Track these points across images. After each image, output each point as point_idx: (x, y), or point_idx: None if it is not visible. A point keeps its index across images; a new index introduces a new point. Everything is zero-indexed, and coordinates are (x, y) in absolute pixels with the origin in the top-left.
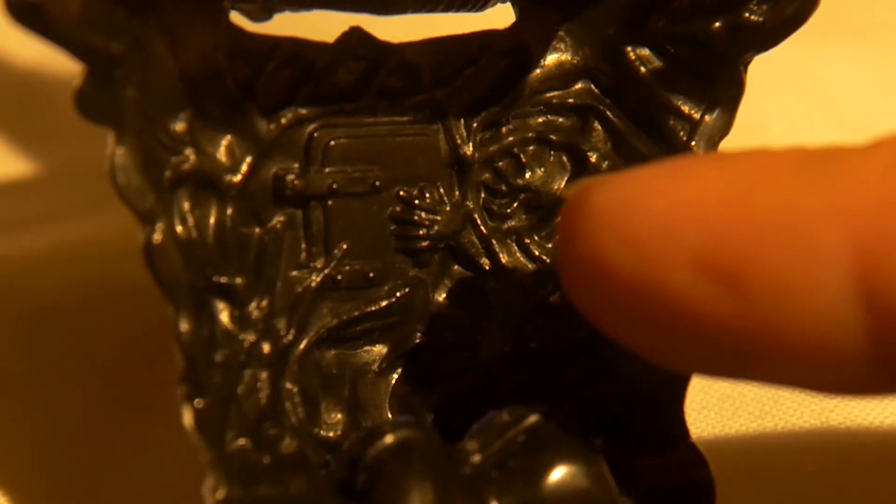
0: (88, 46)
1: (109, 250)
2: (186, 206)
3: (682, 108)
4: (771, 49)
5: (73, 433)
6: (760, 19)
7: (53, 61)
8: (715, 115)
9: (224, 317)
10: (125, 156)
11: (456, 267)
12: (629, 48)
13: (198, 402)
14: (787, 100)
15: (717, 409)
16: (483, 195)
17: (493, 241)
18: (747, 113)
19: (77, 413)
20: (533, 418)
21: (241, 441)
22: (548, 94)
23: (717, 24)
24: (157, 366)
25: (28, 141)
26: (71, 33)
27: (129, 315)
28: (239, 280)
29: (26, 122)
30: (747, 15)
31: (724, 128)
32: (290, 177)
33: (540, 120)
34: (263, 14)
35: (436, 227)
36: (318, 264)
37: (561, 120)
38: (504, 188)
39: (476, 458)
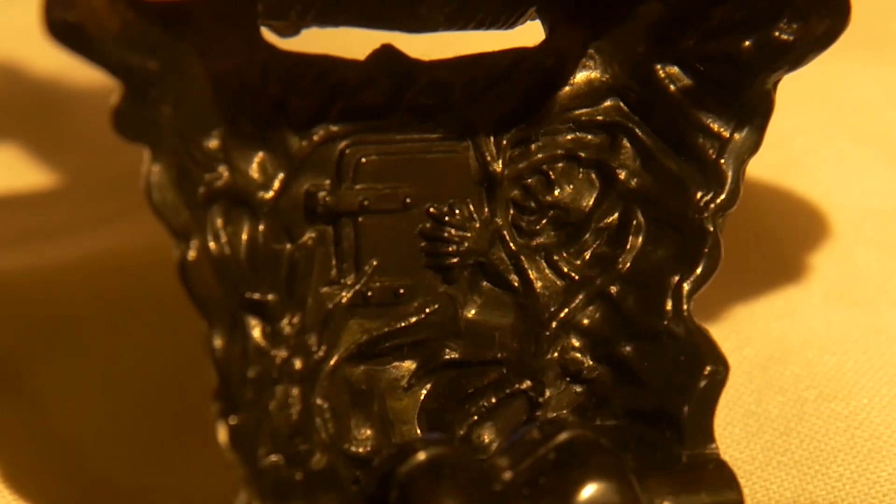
0: (126, 65)
1: (130, 261)
2: (219, 222)
3: (712, 126)
4: (801, 68)
5: (94, 442)
6: (791, 38)
7: (74, 73)
8: (744, 133)
9: (256, 333)
10: (160, 173)
11: (485, 283)
12: (658, 66)
13: (232, 419)
14: (809, 115)
15: (741, 424)
16: (512, 212)
17: (522, 258)
18: (771, 129)
19: (98, 421)
20: (563, 435)
21: (274, 457)
22: (577, 112)
23: (748, 42)
24: (179, 375)
25: (49, 152)
26: (109, 52)
27: (150, 325)
28: (271, 296)
29: (48, 133)
30: (777, 34)
31: (754, 146)
32: (322, 193)
33: (569, 137)
34: (291, 30)
35: (465, 244)
36: (349, 280)
37: (590, 137)
38: (533, 205)
39: (507, 474)
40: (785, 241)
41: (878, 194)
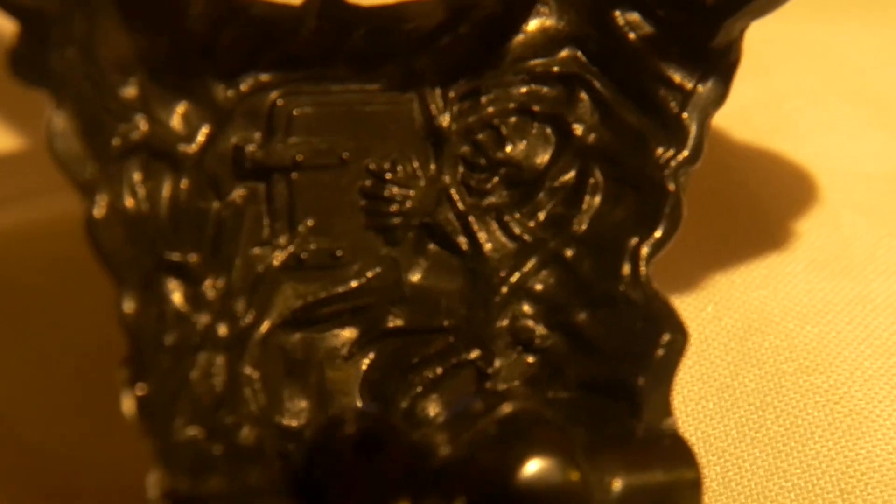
0: (18, 3)
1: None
2: (137, 177)
3: (674, 77)
4: (769, 14)
5: (44, 412)
6: None
7: None
8: (709, 85)
9: (176, 297)
10: (65, 121)
11: (431, 245)
12: (618, 12)
13: (140, 388)
14: (802, 76)
15: (715, 399)
16: (461, 169)
17: (471, 219)
18: (760, 90)
19: (50, 391)
20: (507, 408)
21: (192, 430)
22: (531, 62)
23: None
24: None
25: (20, 114)
26: None
27: (104, 293)
28: (193, 257)
29: (19, 95)
30: None
31: (719, 99)
32: (251, 147)
33: (522, 90)
34: None
35: (409, 203)
36: (282, 241)
37: (545, 89)
38: (483, 162)
39: (445, 449)
40: (770, 206)
41: (868, 157)
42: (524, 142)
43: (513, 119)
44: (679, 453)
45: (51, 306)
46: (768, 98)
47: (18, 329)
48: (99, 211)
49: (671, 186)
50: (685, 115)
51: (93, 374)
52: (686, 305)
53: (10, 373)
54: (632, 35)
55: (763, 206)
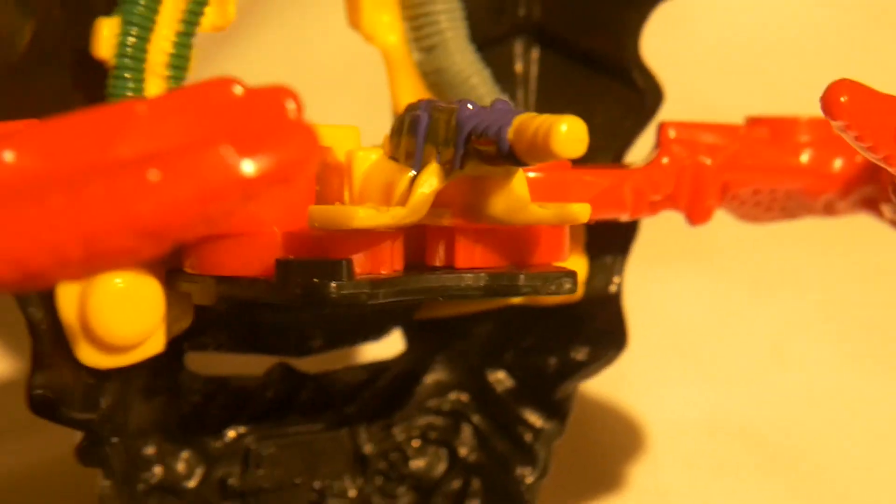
0: (86, 420)
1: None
2: None
3: (528, 418)
4: (593, 377)
5: None
6: (584, 358)
7: None
8: (553, 424)
9: None
10: (111, 488)
11: None
12: (489, 371)
13: None
14: (637, 330)
15: None
16: (379, 482)
17: None
18: None
19: None
20: None
21: None
22: (428, 403)
23: (553, 359)
24: None
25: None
26: (75, 416)
27: None
28: None
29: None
30: (573, 355)
31: (560, 432)
32: (232, 480)
33: (422, 422)
34: None
35: None
36: None
37: (439, 422)
38: (395, 475)
39: None
40: (607, 455)
41: (693, 408)
42: (424, 460)
43: (415, 444)
44: None
45: None
46: None
47: None
48: None
49: (528, 498)
50: (536, 446)
51: None
52: None
53: None
54: (498, 388)
55: (602, 455)
